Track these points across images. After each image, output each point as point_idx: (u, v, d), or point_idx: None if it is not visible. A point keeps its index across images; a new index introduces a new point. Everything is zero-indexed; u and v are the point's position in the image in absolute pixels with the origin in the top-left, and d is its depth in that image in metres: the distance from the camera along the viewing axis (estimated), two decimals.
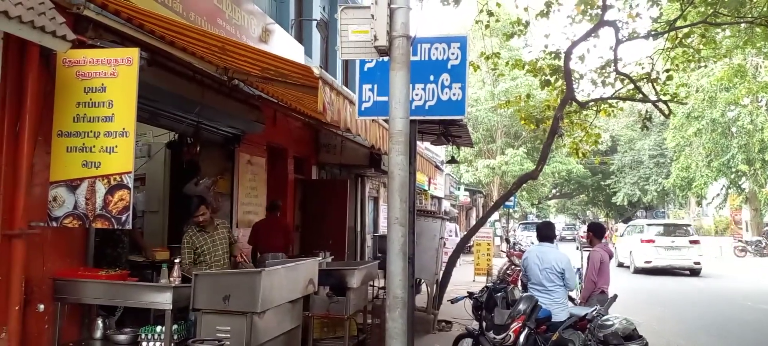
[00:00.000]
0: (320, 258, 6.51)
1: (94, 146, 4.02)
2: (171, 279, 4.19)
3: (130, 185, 4.02)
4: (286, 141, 8.78)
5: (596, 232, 6.52)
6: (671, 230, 18.21)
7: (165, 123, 5.91)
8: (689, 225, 20.20)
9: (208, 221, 5.24)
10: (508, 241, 20.07)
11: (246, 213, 7.56)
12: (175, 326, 4.10)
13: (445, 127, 7.93)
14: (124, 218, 3.99)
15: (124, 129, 4.01)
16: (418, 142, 8.67)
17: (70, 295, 4.13)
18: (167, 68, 5.20)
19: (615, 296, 5.91)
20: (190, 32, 4.49)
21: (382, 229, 14.20)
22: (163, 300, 4.01)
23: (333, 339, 6.64)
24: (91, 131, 4.03)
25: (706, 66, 18.32)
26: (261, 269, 4.25)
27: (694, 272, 17.01)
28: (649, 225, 19.15)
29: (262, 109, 7.14)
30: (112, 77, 4.04)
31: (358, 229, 12.50)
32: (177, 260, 4.47)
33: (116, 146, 4.00)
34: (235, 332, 3.94)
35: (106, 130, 4.01)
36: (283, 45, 7.58)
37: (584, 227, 39.10)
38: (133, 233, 5.69)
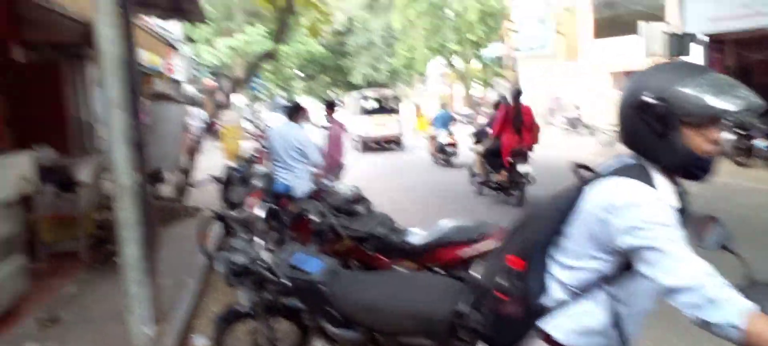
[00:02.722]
0: (37, 153, 5.72)
1: None
2: None
3: None
4: None
5: (331, 107, 7.61)
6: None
7: None
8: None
9: None
10: (254, 123, 20.10)
11: None
12: None
13: None
14: None
15: None
16: (145, 17, 7.87)
17: None
18: None
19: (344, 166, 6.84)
20: None
21: None
22: None
23: (71, 241, 6.05)
24: None
25: None
26: None
27: None
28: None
29: None
30: None
31: (85, 118, 11.09)
32: None
33: None
34: None
35: None
36: None
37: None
38: None
